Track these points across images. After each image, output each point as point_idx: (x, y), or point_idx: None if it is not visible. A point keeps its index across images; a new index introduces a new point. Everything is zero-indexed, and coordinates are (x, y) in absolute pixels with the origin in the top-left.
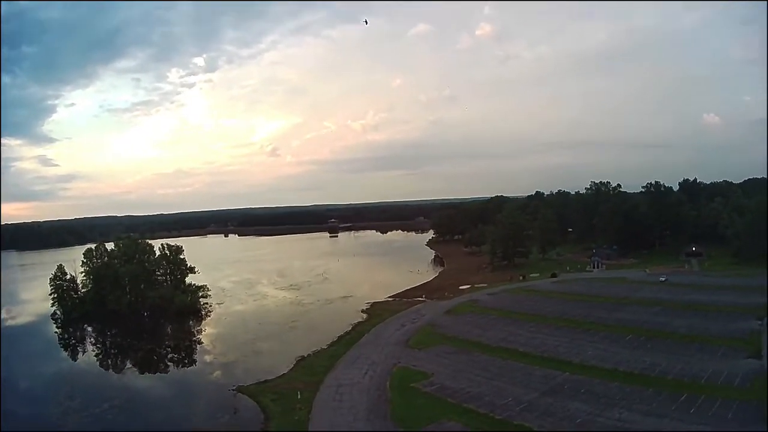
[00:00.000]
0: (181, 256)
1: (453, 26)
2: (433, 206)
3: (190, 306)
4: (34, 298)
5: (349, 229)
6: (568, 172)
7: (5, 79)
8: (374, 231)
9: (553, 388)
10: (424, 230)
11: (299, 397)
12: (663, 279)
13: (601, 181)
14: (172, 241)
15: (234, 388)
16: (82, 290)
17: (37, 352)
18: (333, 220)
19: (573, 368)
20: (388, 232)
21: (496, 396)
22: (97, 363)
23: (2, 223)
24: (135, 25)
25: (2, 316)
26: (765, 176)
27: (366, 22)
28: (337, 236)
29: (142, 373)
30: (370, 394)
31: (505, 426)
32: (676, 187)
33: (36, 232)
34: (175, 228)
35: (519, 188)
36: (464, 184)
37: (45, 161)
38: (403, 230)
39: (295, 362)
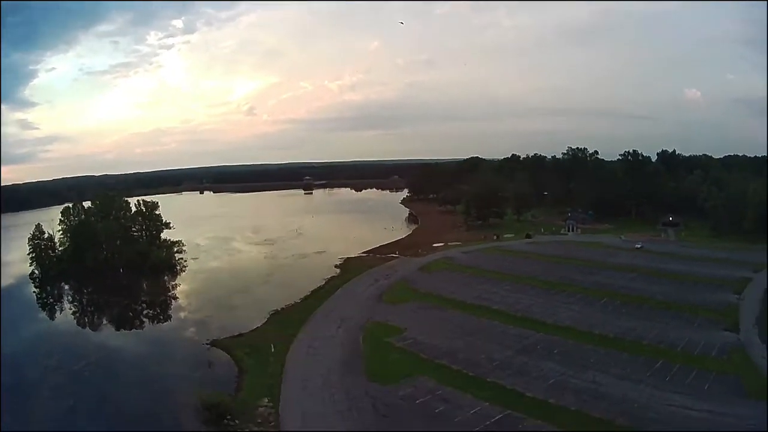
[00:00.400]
0: (157, 212)
1: None
2: (408, 166)
3: (165, 261)
4: (11, 261)
5: (323, 186)
6: (546, 139)
7: None
8: (349, 189)
9: (527, 347)
10: (398, 189)
11: (273, 350)
12: (639, 246)
13: (578, 147)
14: (148, 198)
15: (208, 342)
16: (60, 248)
17: (16, 312)
18: (308, 177)
19: (547, 329)
20: (363, 191)
21: (470, 353)
22: (75, 321)
23: None
24: None
25: None
26: (744, 154)
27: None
28: (311, 193)
29: (118, 329)
30: (343, 348)
31: (479, 383)
32: (654, 158)
33: (16, 194)
34: (152, 185)
35: (496, 151)
36: (440, 146)
37: (26, 125)
38: (377, 188)
39: (268, 316)
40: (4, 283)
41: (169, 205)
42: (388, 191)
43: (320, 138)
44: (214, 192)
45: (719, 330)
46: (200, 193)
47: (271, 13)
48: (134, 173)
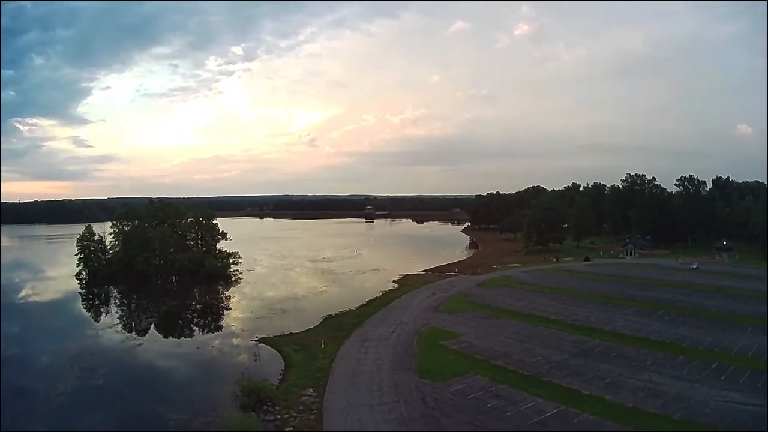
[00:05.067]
0: (213, 222)
1: (490, 25)
2: (470, 200)
3: (220, 270)
4: (60, 275)
5: (385, 216)
6: (604, 175)
7: (38, 60)
8: (410, 220)
9: (584, 351)
10: (460, 221)
11: (323, 347)
12: (694, 267)
13: (636, 174)
14: None
15: (257, 338)
16: (110, 251)
17: (62, 317)
18: (369, 207)
19: (604, 335)
20: (425, 222)
21: (526, 355)
22: (122, 320)
23: (33, 200)
24: (171, 12)
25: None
26: None
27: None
28: (372, 222)
29: (165, 327)
30: (396, 349)
31: (534, 381)
32: (709, 186)
33: (67, 207)
34: (211, 209)
35: (554, 187)
36: (501, 182)
37: (78, 142)
38: (439, 221)
39: (322, 320)
40: (50, 296)
41: (228, 226)
42: (449, 223)
43: (382, 171)
44: (273, 218)
45: None
46: (260, 219)
47: (332, 43)
48: (193, 197)
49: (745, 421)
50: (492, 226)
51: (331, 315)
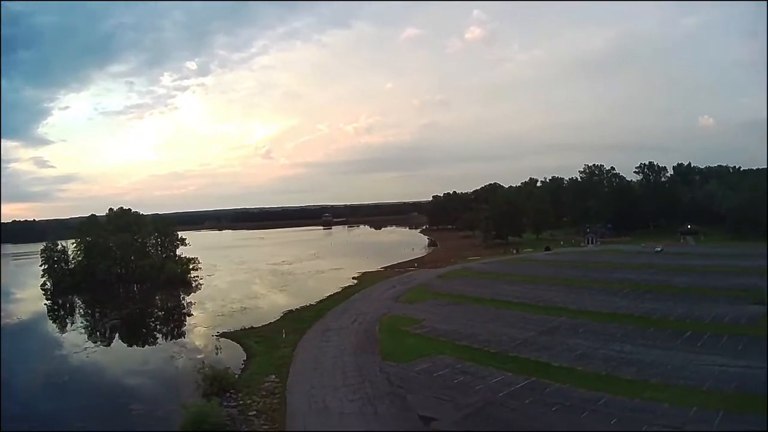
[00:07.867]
0: (172, 229)
1: (442, 30)
2: (428, 203)
3: (180, 276)
4: (27, 297)
5: (343, 223)
6: (566, 173)
7: (2, 83)
8: (367, 226)
9: (550, 329)
10: (418, 225)
11: (284, 337)
12: (659, 249)
13: (594, 164)
14: None
15: (218, 333)
16: (73, 261)
17: (26, 330)
18: (327, 214)
19: (570, 313)
20: (383, 228)
21: (491, 335)
22: (86, 323)
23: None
24: (127, 30)
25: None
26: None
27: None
28: (330, 229)
29: (128, 336)
30: (358, 336)
31: (501, 357)
32: (670, 172)
33: (31, 227)
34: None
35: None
36: (459, 186)
37: (41, 163)
38: (397, 225)
39: (282, 315)
40: (18, 305)
41: (188, 238)
42: (407, 228)
43: (338, 181)
44: (232, 230)
45: (745, 305)
46: (219, 231)
47: (285, 55)
48: (153, 214)
49: (729, 381)
50: (450, 226)
51: (291, 310)
